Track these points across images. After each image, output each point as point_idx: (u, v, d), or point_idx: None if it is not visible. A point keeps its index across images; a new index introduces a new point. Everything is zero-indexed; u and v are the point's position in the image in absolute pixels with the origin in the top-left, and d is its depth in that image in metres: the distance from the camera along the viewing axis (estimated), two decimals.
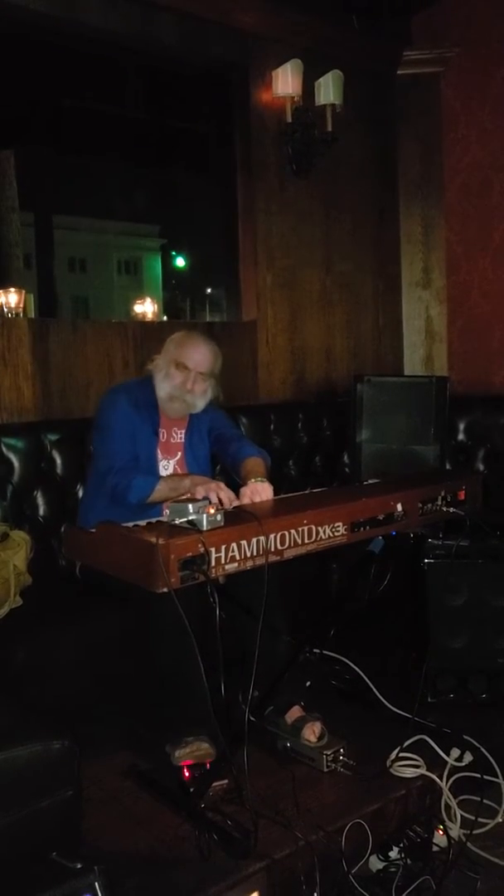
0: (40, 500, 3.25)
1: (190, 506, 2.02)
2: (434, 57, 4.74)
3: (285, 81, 4.18)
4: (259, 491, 2.56)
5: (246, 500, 2.53)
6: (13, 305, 3.50)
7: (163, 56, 4.10)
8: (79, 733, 2.04)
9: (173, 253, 29.11)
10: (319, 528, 2.21)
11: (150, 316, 5.01)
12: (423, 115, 4.82)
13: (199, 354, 2.96)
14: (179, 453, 3.04)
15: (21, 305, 3.53)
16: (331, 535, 2.25)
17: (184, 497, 2.33)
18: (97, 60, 4.01)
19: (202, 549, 1.96)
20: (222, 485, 2.60)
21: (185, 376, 2.94)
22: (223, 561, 2.02)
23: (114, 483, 2.83)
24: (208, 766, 2.45)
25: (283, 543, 2.13)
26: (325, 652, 3.21)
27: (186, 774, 2.44)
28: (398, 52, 4.74)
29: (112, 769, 2.59)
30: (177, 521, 2.02)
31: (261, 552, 2.08)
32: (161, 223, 29.41)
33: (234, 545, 2.03)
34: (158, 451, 2.99)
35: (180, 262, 28.57)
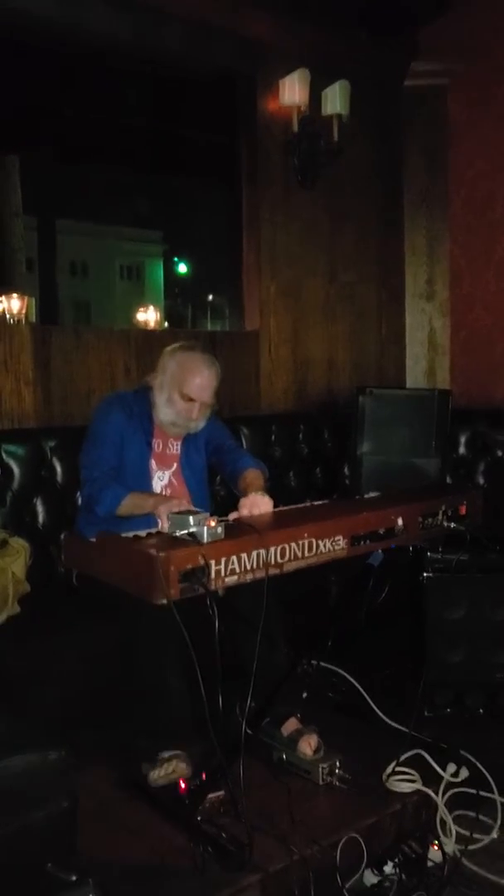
0: (40, 508, 3.25)
1: (191, 518, 2.02)
2: (441, 69, 4.74)
3: (292, 91, 4.17)
4: (258, 503, 2.55)
5: (245, 513, 2.52)
6: (15, 311, 3.51)
7: (170, 64, 4.10)
8: (75, 742, 2.03)
9: (175, 259, 29.21)
10: (320, 542, 2.22)
11: (152, 324, 5.01)
12: (428, 128, 4.83)
13: (206, 381, 2.89)
14: (175, 464, 3.03)
15: (23, 311, 3.54)
16: (331, 548, 2.25)
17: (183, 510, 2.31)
18: (104, 67, 4.01)
19: (202, 562, 1.96)
20: (184, 501, 2.59)
21: (190, 407, 2.90)
22: (223, 573, 2.02)
23: (87, 493, 2.83)
24: (204, 777, 2.44)
25: (283, 556, 2.14)
26: (322, 664, 3.20)
27: (182, 786, 2.43)
28: (405, 63, 4.75)
29: (108, 778, 2.58)
30: (177, 533, 2.02)
31: (261, 565, 2.08)
32: (164, 229, 29.50)
33: (234, 558, 2.03)
34: (153, 462, 2.97)
35: (182, 267, 28.67)
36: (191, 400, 2.89)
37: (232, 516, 2.47)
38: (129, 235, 31.14)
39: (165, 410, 2.92)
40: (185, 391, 2.87)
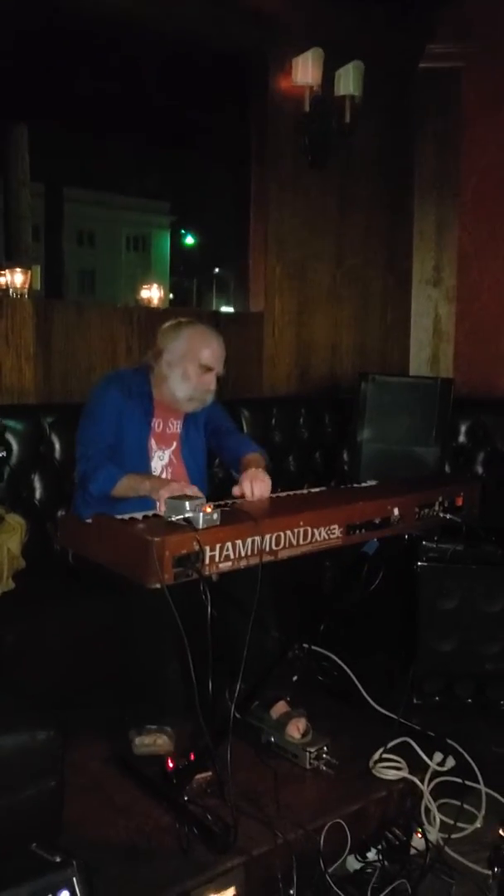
0: (37, 484, 3.25)
1: (187, 503, 2.02)
2: (456, 52, 4.67)
3: (305, 70, 4.12)
4: (259, 476, 2.58)
5: (246, 485, 2.55)
6: (18, 285, 3.48)
7: (183, 38, 4.04)
8: (64, 719, 2.06)
9: (182, 231, 29.05)
10: (315, 530, 2.21)
11: (155, 302, 4.96)
12: (442, 112, 4.77)
13: (218, 350, 2.93)
14: (175, 443, 3.02)
15: (26, 285, 3.51)
16: (326, 536, 2.25)
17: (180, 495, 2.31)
18: (116, 40, 3.96)
19: (197, 547, 1.96)
20: (184, 484, 2.59)
21: (210, 378, 2.91)
22: (217, 559, 2.02)
23: (82, 470, 2.82)
24: (193, 757, 2.46)
25: (277, 544, 2.13)
26: (313, 647, 3.22)
27: (170, 765, 2.46)
28: (421, 45, 4.68)
29: (96, 756, 2.61)
30: (173, 518, 2.02)
31: (255, 552, 2.08)
32: (172, 201, 29.32)
33: (228, 544, 2.03)
34: (153, 441, 2.96)
35: (189, 240, 28.51)
36: (209, 370, 2.90)
37: (235, 490, 2.53)
38: (137, 206, 30.93)
39: (181, 387, 2.91)
40: (203, 362, 2.89)
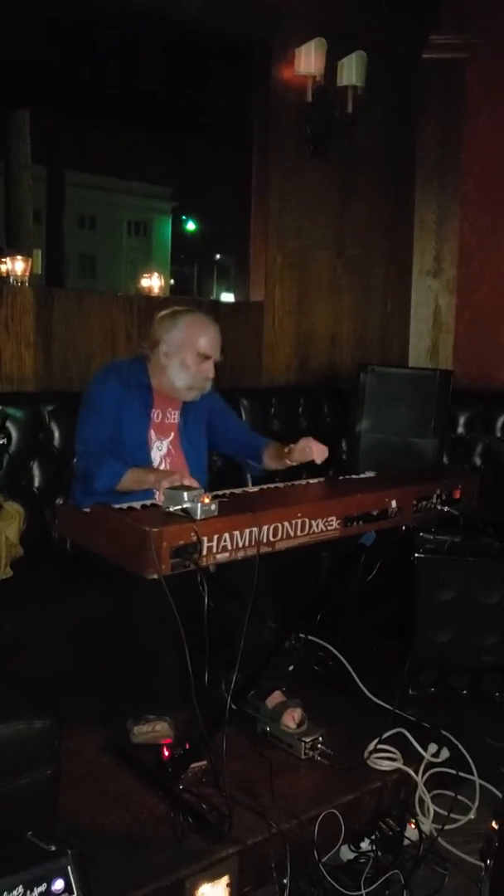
0: (36, 472, 3.25)
1: (185, 494, 2.02)
2: (460, 43, 4.65)
3: (308, 60, 4.10)
4: (317, 441, 2.80)
5: (302, 444, 2.82)
6: (19, 273, 3.48)
7: (187, 25, 4.02)
8: (61, 707, 2.06)
9: (184, 217, 28.92)
10: (313, 522, 2.22)
11: (156, 290, 4.95)
12: (444, 102, 4.75)
13: (215, 338, 2.92)
14: (173, 433, 3.01)
15: (27, 273, 3.51)
16: (323, 528, 2.25)
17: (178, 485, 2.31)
18: (119, 27, 3.94)
19: (195, 538, 1.97)
20: (186, 474, 2.58)
21: (208, 366, 2.90)
22: (215, 550, 2.02)
23: (84, 466, 2.82)
24: (188, 746, 2.47)
25: (275, 535, 2.14)
26: (310, 638, 3.22)
27: (166, 753, 2.46)
28: (425, 35, 4.65)
29: (92, 744, 2.61)
30: (171, 509, 2.02)
31: (253, 543, 2.08)
32: (173, 186, 29.17)
33: (226, 535, 2.03)
34: (152, 432, 2.95)
35: (191, 225, 28.38)
36: (207, 358, 2.89)
37: (296, 446, 2.84)
38: (139, 191, 30.79)
39: (180, 376, 2.89)
40: (201, 351, 2.88)
